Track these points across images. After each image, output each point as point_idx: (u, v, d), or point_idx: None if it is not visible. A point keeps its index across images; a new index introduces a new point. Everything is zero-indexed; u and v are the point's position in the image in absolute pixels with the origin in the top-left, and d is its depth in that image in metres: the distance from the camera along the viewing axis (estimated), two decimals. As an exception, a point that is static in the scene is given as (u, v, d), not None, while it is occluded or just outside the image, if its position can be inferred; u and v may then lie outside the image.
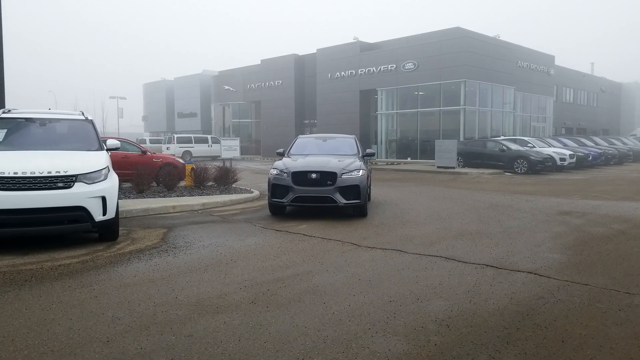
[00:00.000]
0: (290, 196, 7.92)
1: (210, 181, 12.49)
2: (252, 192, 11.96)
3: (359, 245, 6.09)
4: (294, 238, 6.58)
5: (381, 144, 30.40)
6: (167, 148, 32.30)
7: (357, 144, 9.73)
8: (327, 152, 9.19)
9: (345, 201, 7.88)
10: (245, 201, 10.66)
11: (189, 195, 10.85)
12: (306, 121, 36.18)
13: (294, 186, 7.90)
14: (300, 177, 7.94)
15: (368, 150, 9.62)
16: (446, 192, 12.86)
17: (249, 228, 7.33)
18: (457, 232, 6.97)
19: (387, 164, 26.30)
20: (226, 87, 39.18)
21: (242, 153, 38.89)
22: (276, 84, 37.11)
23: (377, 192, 12.27)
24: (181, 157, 32.85)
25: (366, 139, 30.57)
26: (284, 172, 8.10)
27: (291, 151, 9.55)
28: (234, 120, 41.03)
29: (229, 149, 13.08)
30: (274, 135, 36.57)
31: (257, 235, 6.81)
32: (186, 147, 32.20)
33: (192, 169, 12.38)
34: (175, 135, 33.58)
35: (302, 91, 36.44)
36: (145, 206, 8.97)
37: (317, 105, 33.66)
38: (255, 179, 17.94)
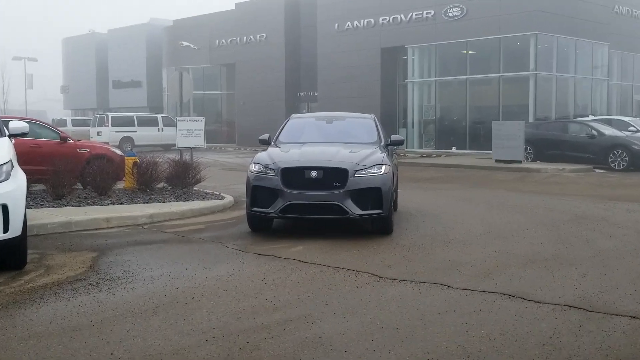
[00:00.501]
0: (280, 204, 7.99)
1: (161, 182, 12.64)
2: (223, 197, 12.12)
3: (380, 277, 6.13)
4: (284, 266, 6.63)
5: (412, 127, 30.58)
6: (98, 133, 32.71)
7: (377, 126, 9.83)
8: (334, 139, 9.33)
9: (360, 212, 7.95)
10: (213, 211, 10.83)
11: (131, 203, 10.98)
12: (302, 93, 36.44)
13: (285, 189, 7.96)
14: (294, 175, 8.01)
15: (394, 137, 9.70)
16: (509, 197, 12.91)
17: (218, 251, 7.42)
18: (526, 257, 7.05)
19: (421, 156, 26.44)
20: (184, 44, 39.36)
21: (208, 140, 39.11)
22: (258, 39, 37.30)
23: (407, 198, 12.45)
24: (118, 147, 32.93)
25: (390, 120, 30.81)
26: (270, 169, 8.16)
27: (281, 138, 9.64)
28: (196, 92, 41.27)
29: (189, 134, 13.14)
30: (255, 114, 36.90)
31: (230, 261, 6.88)
32: (126, 131, 32.54)
33: (135, 164, 12.48)
34: (110, 115, 33.93)
35: (297, 50, 36.61)
36: (66, 219, 9.01)
37: (318, 71, 33.85)
38: (227, 178, 17.96)
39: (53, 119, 39.18)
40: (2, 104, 58.49)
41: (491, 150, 22.30)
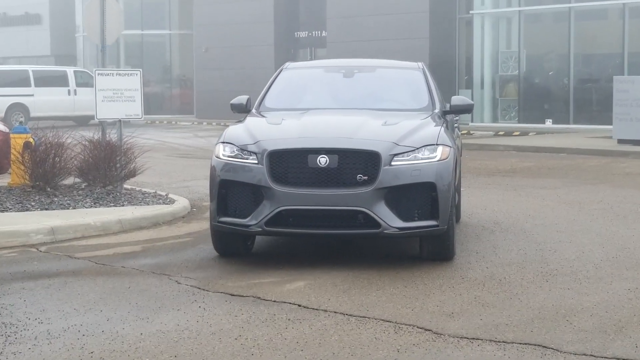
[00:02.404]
0: (265, 211, 7.90)
1: (71, 176, 12.52)
2: (173, 201, 12.14)
3: (438, 334, 5.95)
4: (274, 314, 6.45)
5: (481, 88, 30.68)
6: None
7: (429, 83, 9.82)
8: (356, 104, 9.48)
9: (401, 223, 7.91)
10: (156, 223, 10.83)
11: (20, 210, 10.92)
12: (301, 34, 36.35)
13: (275, 187, 7.87)
14: (290, 163, 7.99)
15: (457, 100, 9.64)
16: None
17: (163, 289, 7.32)
18: None
19: (495, 135, 26.72)
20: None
21: (151, 110, 39.06)
22: (230, -56, 37.15)
23: (475, 201, 12.56)
24: (3, 119, 32.75)
25: (446, 76, 30.57)
26: (250, 153, 8.10)
27: (267, 102, 9.64)
28: (129, 31, 40.91)
29: (116, 97, 12.85)
30: (225, 68, 36.99)
31: (182, 306, 6.71)
32: (16, 95, 32.73)
33: (27, 146, 12.38)
34: None
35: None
36: None
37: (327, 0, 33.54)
38: (179, 170, 17.76)
39: None
40: None
41: (610, 124, 22.24)
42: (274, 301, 6.82)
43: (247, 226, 7.99)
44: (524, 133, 26.71)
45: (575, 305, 6.69)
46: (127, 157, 12.65)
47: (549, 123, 28.49)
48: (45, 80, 33.78)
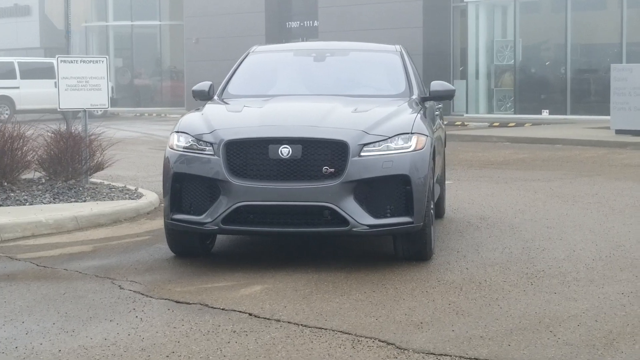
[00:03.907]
0: (222, 208, 7.46)
1: (30, 170, 12.12)
2: (141, 196, 11.78)
3: (401, 349, 5.33)
4: (219, 325, 5.86)
5: (476, 78, 30.53)
6: None
7: (407, 67, 9.42)
8: (328, 90, 9.13)
9: (372, 220, 7.46)
10: (117, 220, 10.45)
11: None
12: (293, 24, 35.96)
13: (232, 180, 7.44)
14: (250, 154, 7.56)
15: (437, 85, 9.17)
16: None
17: (103, 295, 6.79)
18: None
19: (490, 126, 26.74)
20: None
21: (144, 102, 38.73)
22: None
23: (463, 195, 12.29)
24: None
25: (440, 66, 30.57)
26: (206, 143, 7.67)
27: (230, 88, 9.26)
28: (120, 22, 40.65)
29: (81, 85, 12.26)
30: (216, 59, 36.35)
31: (118, 316, 6.14)
32: (1, 87, 32.68)
33: None
34: None
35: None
36: None
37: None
38: (159, 162, 16.99)
39: None
40: None
41: (609, 115, 21.95)
42: (223, 309, 6.20)
43: (202, 224, 7.50)
44: (520, 124, 26.57)
45: (561, 313, 6.06)
46: (92, 150, 12.14)
47: (545, 114, 28.39)
48: (32, 72, 33.69)
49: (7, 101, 32.42)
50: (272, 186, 7.34)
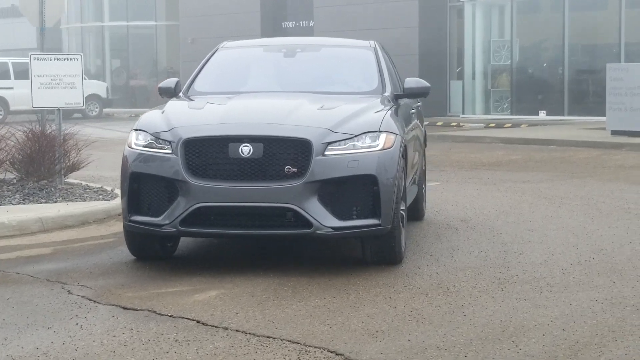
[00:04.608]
0: (180, 209, 7.21)
1: (1, 170, 11.83)
2: (115, 196, 11.47)
3: None
4: (161, 334, 5.54)
5: (472, 78, 30.41)
6: None
7: (380, 62, 9.13)
8: (298, 87, 8.90)
9: (337, 222, 7.20)
10: (84, 221, 10.20)
11: None
12: (288, 24, 35.73)
13: (191, 180, 7.18)
14: (210, 153, 7.32)
15: (410, 82, 8.92)
16: (634, 196, 12.15)
17: (48, 300, 6.49)
18: None
19: (486, 127, 26.59)
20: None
21: (135, 104, 38.39)
22: None
23: (449, 196, 12.14)
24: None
25: (436, 67, 30.41)
26: (164, 142, 7.42)
27: (197, 85, 9.04)
28: (115, 22, 40.37)
29: (55, 83, 11.97)
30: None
31: (56, 323, 5.82)
32: None
33: None
34: None
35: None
36: None
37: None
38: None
39: None
40: None
41: (605, 115, 21.65)
42: (170, 316, 5.89)
43: (160, 226, 7.24)
44: (516, 125, 26.32)
45: (527, 321, 5.73)
46: (66, 150, 11.89)
47: (542, 115, 28.12)
48: (26, 73, 33.06)
49: (1, 102, 32.41)
50: (233, 186, 7.10)
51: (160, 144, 7.29)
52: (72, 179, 12.29)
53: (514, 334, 5.39)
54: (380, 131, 7.32)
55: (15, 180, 11.65)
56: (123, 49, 40.75)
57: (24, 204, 10.42)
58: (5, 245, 8.59)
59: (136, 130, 7.58)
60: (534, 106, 28.52)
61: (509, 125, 26.31)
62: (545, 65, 29.09)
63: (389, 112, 7.76)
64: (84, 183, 12.24)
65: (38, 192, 11.03)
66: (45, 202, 10.55)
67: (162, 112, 7.81)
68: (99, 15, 41.23)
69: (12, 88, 32.45)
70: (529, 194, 12.33)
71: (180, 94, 8.63)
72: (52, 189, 11.25)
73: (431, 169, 15.09)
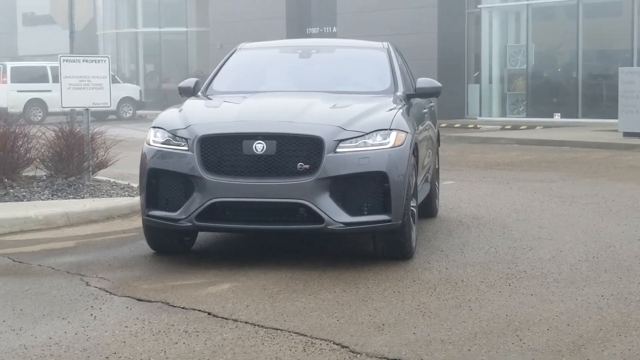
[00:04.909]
0: (196, 204, 7.03)
1: (30, 167, 11.76)
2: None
3: (354, 353, 4.80)
4: (172, 325, 5.36)
5: (489, 82, 29.94)
6: None
7: (393, 63, 8.90)
8: (313, 86, 8.68)
9: (348, 218, 7.00)
10: (109, 216, 10.01)
11: None
12: (313, 30, 35.44)
13: (206, 176, 7.00)
14: (224, 150, 7.13)
15: (422, 82, 8.69)
16: None
17: (65, 292, 6.31)
18: None
19: (502, 129, 26.23)
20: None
21: (167, 106, 38.15)
22: (244, -57, 36.35)
23: (463, 195, 11.84)
24: (23, 115, 32.43)
25: (454, 71, 30.10)
26: (181, 139, 7.24)
27: (215, 84, 8.84)
28: (149, 28, 40.31)
29: (83, 84, 11.83)
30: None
31: (71, 314, 5.66)
32: (35, 90, 32.63)
33: None
34: (9, 65, 33.45)
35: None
36: None
37: (337, -4, 32.70)
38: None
39: None
40: None
41: (617, 118, 21.33)
42: (183, 308, 5.72)
43: (177, 220, 7.06)
44: (531, 127, 25.86)
45: (533, 316, 5.50)
46: (93, 148, 11.75)
47: (557, 117, 27.65)
48: (62, 76, 33.33)
49: (40, 104, 32.38)
50: (247, 182, 6.92)
51: (177, 141, 7.13)
52: (100, 176, 12.19)
53: (518, 328, 5.17)
54: (391, 129, 7.13)
55: (45, 177, 11.54)
56: (156, 54, 40.64)
57: (52, 199, 10.30)
58: (32, 238, 8.45)
59: (154, 127, 7.42)
60: (548, 109, 28.06)
61: (524, 127, 25.89)
62: (559, 69, 28.59)
63: (401, 110, 7.55)
64: (112, 180, 12.10)
65: (66, 188, 10.94)
66: (73, 198, 10.43)
67: (180, 111, 7.64)
68: (133, 21, 41.19)
69: (50, 91, 32.19)
70: (541, 192, 12.04)
71: (199, 93, 8.47)
72: (80, 186, 11.14)
73: (447, 168, 14.89)
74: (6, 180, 11.00)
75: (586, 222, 9.39)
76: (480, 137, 22.64)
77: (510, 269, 6.94)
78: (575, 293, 6.10)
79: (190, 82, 8.65)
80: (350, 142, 6.95)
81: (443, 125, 27.26)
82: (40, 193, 10.58)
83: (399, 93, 8.25)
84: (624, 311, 5.60)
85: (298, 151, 6.91)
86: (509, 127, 26.19)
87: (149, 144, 7.37)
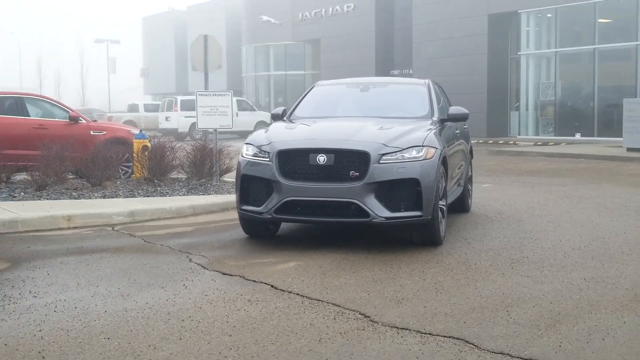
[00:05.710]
0: (274, 201, 6.70)
1: (176, 171, 11.75)
2: None
3: (373, 322, 4.38)
4: (242, 293, 5.03)
5: (526, 109, 28.91)
6: (167, 118, 32.92)
7: (431, 95, 8.35)
8: (370, 113, 8.17)
9: (388, 213, 6.54)
10: (225, 208, 9.63)
11: (128, 196, 9.97)
12: (395, 72, 34.70)
13: (282, 181, 6.66)
14: (296, 161, 6.75)
15: (453, 110, 8.19)
16: (636, 197, 10.85)
17: (174, 266, 6.03)
18: (633, 292, 5.11)
19: (534, 145, 25.07)
20: (264, 18, 38.43)
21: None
22: (345, 9, 35.99)
23: (495, 195, 11.12)
24: (189, 134, 32.78)
25: (500, 101, 29.22)
26: (265, 152, 6.92)
27: (297, 112, 8.42)
28: (277, 72, 40.49)
29: (212, 111, 11.70)
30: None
31: (173, 283, 5.38)
32: (194, 116, 32.38)
33: (145, 148, 11.38)
34: (179, 98, 33.57)
35: (389, 21, 34.97)
36: (13, 216, 7.75)
37: (413, 45, 32.04)
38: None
39: (129, 105, 39.69)
40: (80, 91, 60.53)
41: (622, 136, 20.14)
42: (254, 281, 5.36)
43: (261, 213, 6.74)
44: (558, 143, 24.52)
45: (524, 295, 4.95)
46: (217, 157, 11.57)
47: (578, 136, 26.35)
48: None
49: (192, 125, 32.19)
50: (312, 186, 6.56)
51: (262, 154, 6.81)
52: (227, 178, 11.91)
53: (510, 305, 4.65)
54: (423, 145, 6.65)
55: (184, 179, 11.49)
56: (282, 90, 40.61)
57: (186, 196, 10.16)
58: (163, 224, 8.25)
59: (247, 143, 7.12)
60: (571, 130, 26.74)
61: (552, 143, 24.54)
62: (580, 100, 27.19)
63: (433, 131, 7.04)
64: (233, 181, 11.81)
65: (199, 187, 10.80)
66: (202, 195, 10.26)
67: (266, 131, 7.32)
68: (266, 66, 41.32)
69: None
70: (555, 194, 11.22)
71: (284, 118, 8.12)
72: (209, 186, 10.99)
73: (488, 174, 14.18)
74: (156, 180, 11.00)
75: (586, 217, 8.65)
76: (517, 150, 21.57)
77: (516, 254, 6.38)
78: (563, 276, 5.50)
79: (279, 110, 8.33)
80: (391, 156, 6.52)
81: (490, 141, 26.25)
82: (179, 191, 10.47)
83: (435, 118, 7.72)
84: (600, 292, 5.01)
85: (351, 162, 6.50)
86: (540, 143, 24.87)
87: (242, 156, 7.06)
